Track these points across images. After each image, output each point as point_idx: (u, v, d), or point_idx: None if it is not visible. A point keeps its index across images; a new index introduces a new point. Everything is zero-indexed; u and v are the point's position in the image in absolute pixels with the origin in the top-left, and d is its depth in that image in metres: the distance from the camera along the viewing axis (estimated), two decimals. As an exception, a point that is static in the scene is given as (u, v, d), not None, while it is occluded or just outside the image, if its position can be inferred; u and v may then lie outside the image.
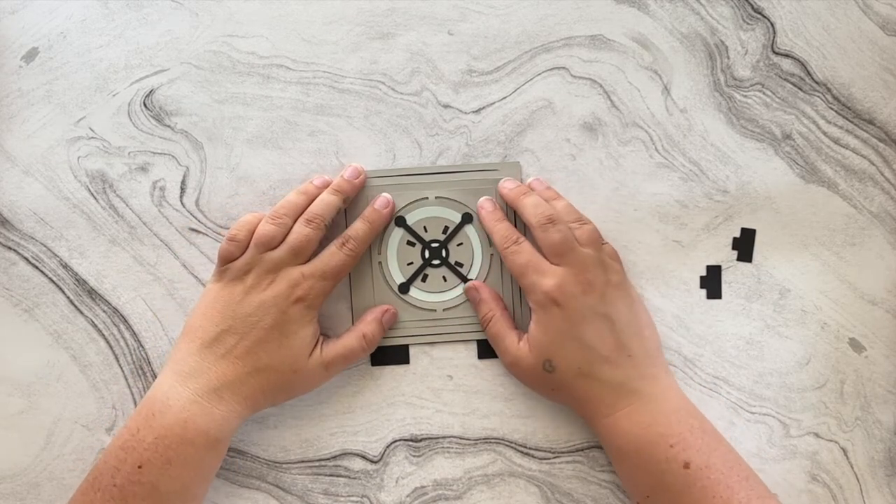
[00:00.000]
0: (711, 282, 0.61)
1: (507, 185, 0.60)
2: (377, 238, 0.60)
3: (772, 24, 0.63)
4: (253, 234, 0.57)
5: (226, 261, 0.57)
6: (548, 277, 0.55)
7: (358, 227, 0.58)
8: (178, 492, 0.52)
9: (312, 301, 0.55)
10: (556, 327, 0.54)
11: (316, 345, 0.56)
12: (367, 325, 0.58)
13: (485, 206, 0.60)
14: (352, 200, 0.60)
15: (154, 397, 0.54)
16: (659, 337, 0.59)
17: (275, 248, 0.56)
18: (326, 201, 0.58)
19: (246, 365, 0.54)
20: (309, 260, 0.57)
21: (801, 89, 0.63)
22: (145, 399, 0.54)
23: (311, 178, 0.61)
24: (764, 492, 0.53)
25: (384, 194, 0.60)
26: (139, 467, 0.51)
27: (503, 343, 0.57)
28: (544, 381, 0.56)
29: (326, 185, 0.59)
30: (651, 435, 0.53)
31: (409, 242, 0.61)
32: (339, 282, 0.57)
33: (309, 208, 0.58)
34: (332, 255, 0.57)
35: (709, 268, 0.62)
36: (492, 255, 0.61)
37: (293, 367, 0.55)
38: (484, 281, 0.61)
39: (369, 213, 0.59)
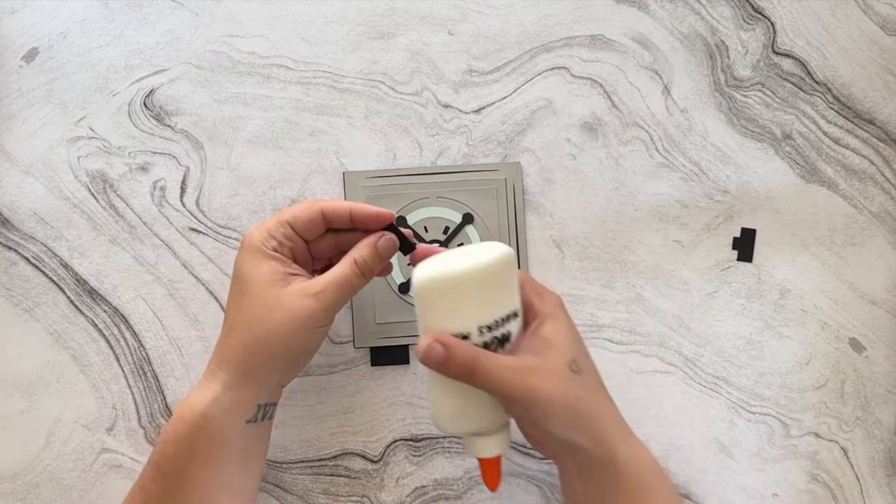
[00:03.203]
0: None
1: None
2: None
3: (772, 24, 0.63)
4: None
5: None
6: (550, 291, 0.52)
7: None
8: (173, 473, 0.49)
9: (261, 241, 0.50)
10: (573, 329, 0.49)
11: (291, 281, 0.49)
12: (360, 250, 0.50)
13: None
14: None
15: None
16: None
17: None
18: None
19: (227, 327, 0.50)
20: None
21: (801, 89, 0.63)
22: None
23: (310, 178, 0.61)
24: None
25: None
26: (154, 446, 0.50)
27: (504, 363, 0.46)
28: (571, 386, 0.46)
29: None
30: (653, 458, 0.49)
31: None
32: (288, 220, 0.51)
33: None
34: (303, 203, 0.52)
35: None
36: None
37: (264, 306, 0.48)
38: None
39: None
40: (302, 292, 0.48)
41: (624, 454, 0.47)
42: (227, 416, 0.49)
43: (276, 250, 0.50)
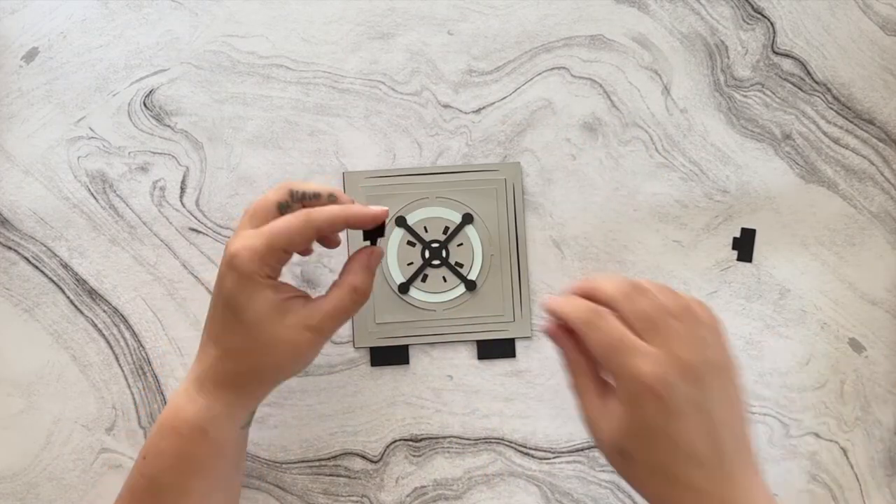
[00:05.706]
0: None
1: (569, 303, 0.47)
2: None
3: (772, 24, 0.63)
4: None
5: None
6: (642, 359, 0.44)
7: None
8: (173, 484, 0.50)
9: (254, 269, 0.47)
10: (647, 421, 0.44)
11: (287, 310, 0.48)
12: (356, 275, 0.49)
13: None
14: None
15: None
16: (750, 429, 0.47)
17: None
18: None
19: (217, 349, 0.49)
20: None
21: (801, 89, 0.63)
22: None
23: (310, 178, 0.61)
24: None
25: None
26: (143, 458, 0.51)
27: (582, 399, 0.47)
28: (616, 463, 0.46)
29: None
30: None
31: (409, 242, 0.61)
32: (283, 247, 0.48)
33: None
34: (286, 217, 0.49)
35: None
36: (491, 255, 0.61)
37: (261, 341, 0.48)
38: (483, 282, 0.61)
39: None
40: (301, 325, 0.48)
41: None
42: (224, 430, 0.50)
43: (269, 277, 0.48)
